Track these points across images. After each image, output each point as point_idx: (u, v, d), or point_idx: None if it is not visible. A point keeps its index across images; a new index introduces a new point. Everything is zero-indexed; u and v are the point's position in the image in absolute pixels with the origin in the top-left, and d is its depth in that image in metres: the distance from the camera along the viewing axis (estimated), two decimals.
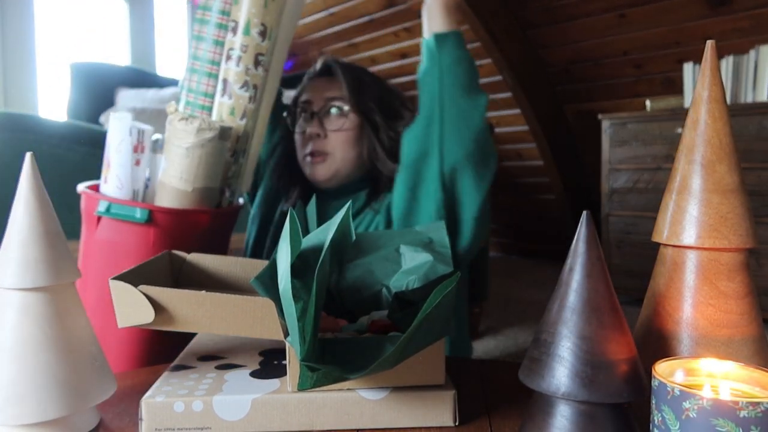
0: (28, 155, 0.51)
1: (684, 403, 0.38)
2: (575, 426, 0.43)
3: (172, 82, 2.92)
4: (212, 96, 0.87)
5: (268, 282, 0.58)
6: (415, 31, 3.39)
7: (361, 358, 0.49)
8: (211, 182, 0.81)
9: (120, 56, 3.43)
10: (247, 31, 0.84)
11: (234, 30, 0.84)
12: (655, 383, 0.41)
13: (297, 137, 1.05)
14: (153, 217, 0.77)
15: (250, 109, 0.86)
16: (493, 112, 3.44)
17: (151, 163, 0.85)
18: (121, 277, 0.54)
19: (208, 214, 0.82)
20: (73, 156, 1.52)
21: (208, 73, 0.86)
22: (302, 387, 0.47)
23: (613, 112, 2.87)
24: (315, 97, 1.03)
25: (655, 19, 2.66)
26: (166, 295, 0.52)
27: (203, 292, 0.53)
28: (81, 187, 0.83)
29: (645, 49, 2.81)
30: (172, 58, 3.85)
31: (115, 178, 0.80)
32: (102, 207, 0.77)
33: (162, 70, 3.59)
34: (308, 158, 1.01)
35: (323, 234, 0.58)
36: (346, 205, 0.57)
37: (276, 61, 0.93)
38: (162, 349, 0.72)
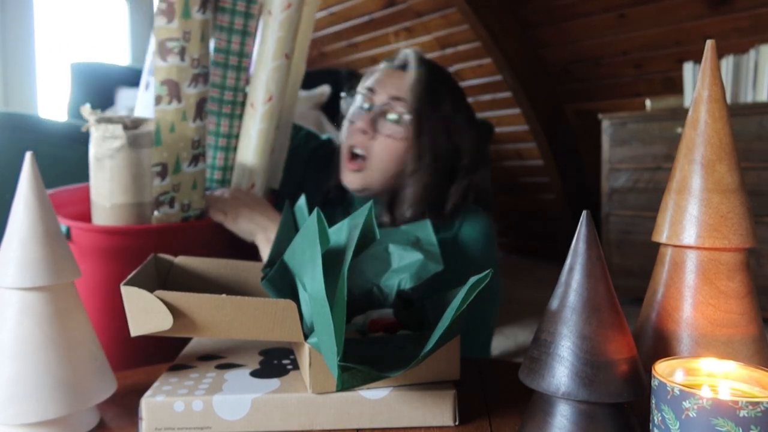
0: (28, 155, 0.51)
1: (684, 403, 0.38)
2: (575, 426, 0.43)
3: None
4: (243, 90, 0.84)
5: (278, 283, 0.58)
6: (416, 31, 3.39)
7: (386, 357, 0.50)
8: (134, 197, 0.71)
9: (120, 56, 3.43)
10: (187, 14, 0.71)
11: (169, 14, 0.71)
12: (655, 383, 0.41)
13: (345, 124, 0.93)
14: (71, 234, 0.69)
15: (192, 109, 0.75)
16: (493, 112, 3.44)
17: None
18: (131, 283, 0.51)
19: (130, 234, 0.69)
20: (73, 156, 1.51)
21: (236, 66, 0.81)
22: (345, 387, 0.50)
23: (613, 111, 2.87)
24: (380, 88, 0.90)
25: (655, 19, 2.66)
26: (184, 300, 0.50)
27: (224, 295, 0.51)
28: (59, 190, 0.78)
29: (645, 49, 2.80)
30: None
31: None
32: None
33: None
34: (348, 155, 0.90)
35: (340, 234, 0.58)
36: (368, 204, 0.57)
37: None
38: (162, 349, 0.72)
